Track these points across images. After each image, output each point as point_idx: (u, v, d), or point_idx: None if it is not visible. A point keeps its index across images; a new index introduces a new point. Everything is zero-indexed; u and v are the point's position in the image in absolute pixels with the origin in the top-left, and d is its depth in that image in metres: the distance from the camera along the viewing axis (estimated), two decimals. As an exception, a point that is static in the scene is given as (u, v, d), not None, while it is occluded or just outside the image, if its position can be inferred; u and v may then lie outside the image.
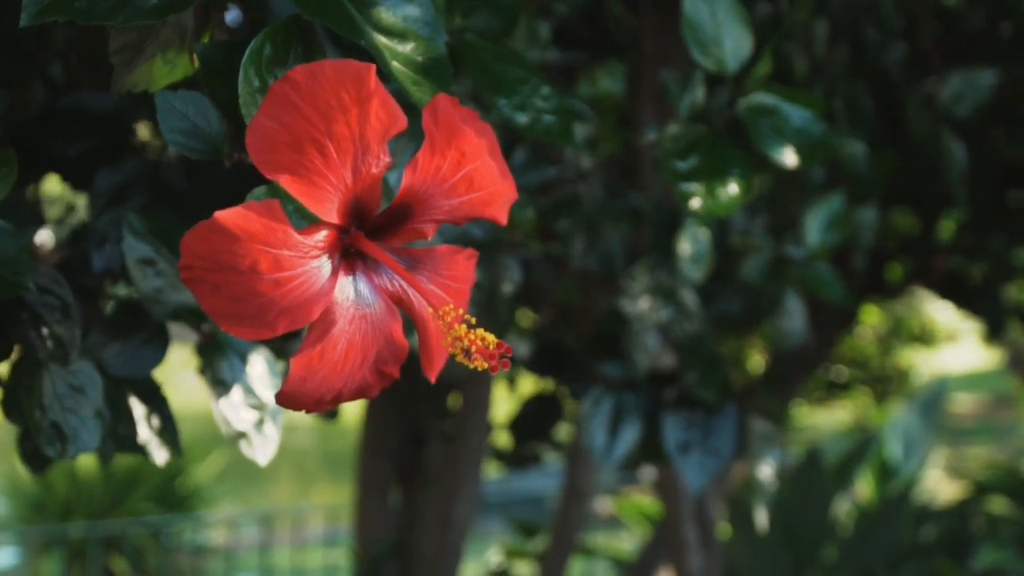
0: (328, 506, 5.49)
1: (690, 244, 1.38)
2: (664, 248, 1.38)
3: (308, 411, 0.62)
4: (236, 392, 0.94)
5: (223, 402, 0.93)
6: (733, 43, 1.01)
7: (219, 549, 5.26)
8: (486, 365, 0.59)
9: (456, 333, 0.59)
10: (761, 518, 1.85)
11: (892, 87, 1.75)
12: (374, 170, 0.59)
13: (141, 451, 0.98)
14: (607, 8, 1.59)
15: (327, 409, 0.63)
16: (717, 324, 1.57)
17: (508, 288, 1.17)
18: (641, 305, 1.36)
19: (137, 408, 0.97)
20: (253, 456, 0.94)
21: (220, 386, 0.94)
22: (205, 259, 0.56)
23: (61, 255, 0.90)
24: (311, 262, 0.59)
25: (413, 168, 0.61)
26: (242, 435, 0.94)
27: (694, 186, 0.99)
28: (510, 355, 0.59)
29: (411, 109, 0.71)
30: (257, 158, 0.57)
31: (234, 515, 5.65)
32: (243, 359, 0.95)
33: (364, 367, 0.62)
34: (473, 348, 0.59)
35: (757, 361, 3.10)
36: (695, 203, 0.98)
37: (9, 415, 0.89)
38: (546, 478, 5.60)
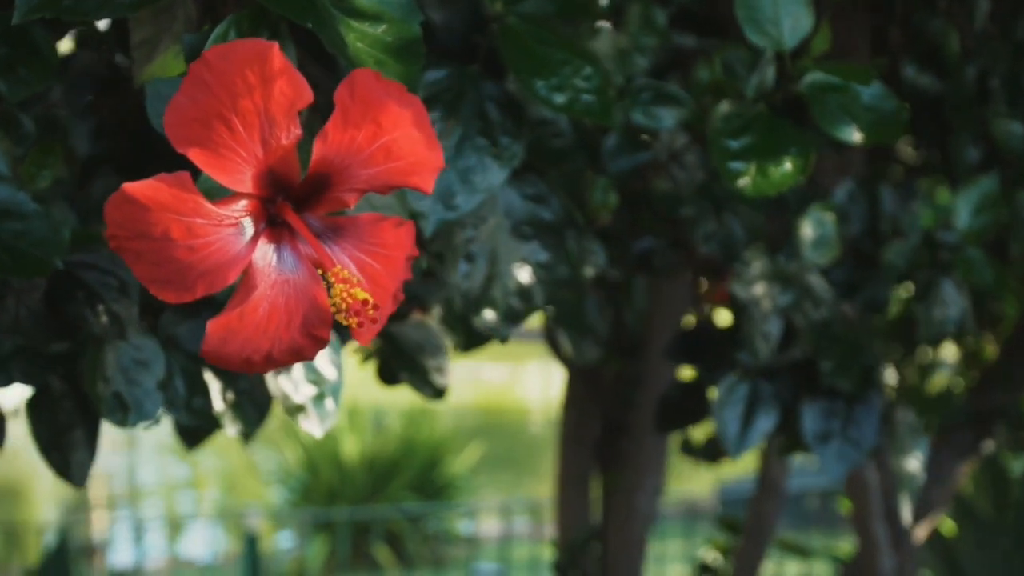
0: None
1: (813, 228, 1.35)
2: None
3: (240, 371, 0.66)
4: (297, 368, 1.00)
5: (282, 379, 0.99)
6: (792, 20, 0.99)
7: (464, 537, 5.42)
8: (354, 321, 0.62)
9: (335, 292, 0.62)
10: (906, 512, 1.76)
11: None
12: (284, 142, 0.63)
13: (215, 423, 1.04)
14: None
15: (262, 370, 0.66)
16: (865, 312, 1.52)
17: (589, 272, 1.18)
18: (756, 291, 1.33)
19: (213, 383, 1.04)
20: (311, 429, 0.99)
21: (280, 361, 0.99)
22: (124, 228, 0.61)
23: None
24: (225, 229, 0.63)
25: (324, 139, 0.64)
26: (300, 408, 0.99)
27: (743, 165, 0.97)
28: (378, 310, 0.62)
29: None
30: (169, 132, 0.61)
31: (475, 506, 5.81)
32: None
33: (291, 330, 0.66)
34: (345, 306, 0.62)
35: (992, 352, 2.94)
36: (743, 182, 0.97)
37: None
38: (804, 477, 5.48)
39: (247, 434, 1.28)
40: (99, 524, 5.83)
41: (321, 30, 0.70)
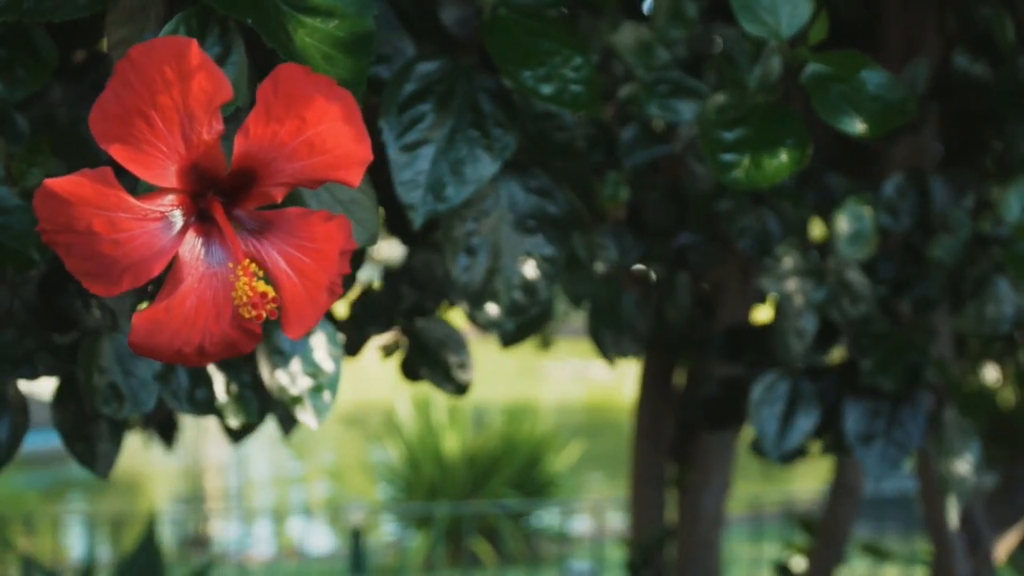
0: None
1: (849, 222, 1.31)
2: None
3: (173, 362, 0.67)
4: (295, 362, 1.01)
5: (279, 371, 1.00)
6: (790, 8, 0.96)
7: (560, 535, 5.41)
8: (254, 314, 0.62)
9: (239, 285, 0.63)
10: (953, 517, 1.70)
11: None
12: (206, 137, 0.63)
13: (218, 414, 1.05)
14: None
15: (196, 362, 0.67)
16: (916, 309, 1.48)
17: (601, 267, 1.17)
18: (788, 286, 1.31)
19: (217, 375, 1.05)
20: (307, 421, 1.00)
21: (278, 355, 1.00)
22: (51, 222, 0.63)
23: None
24: (150, 224, 0.64)
25: (245, 134, 0.64)
26: (297, 400, 1.00)
27: (736, 157, 0.95)
28: (276, 304, 0.62)
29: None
30: (93, 129, 0.62)
31: (569, 505, 5.79)
32: (304, 329, 1.01)
33: (221, 322, 0.66)
34: (246, 298, 0.62)
35: None
36: (736, 174, 0.95)
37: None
38: (912, 481, 5.35)
39: (287, 430, 1.30)
40: (210, 516, 5.97)
41: (261, 26, 0.71)
